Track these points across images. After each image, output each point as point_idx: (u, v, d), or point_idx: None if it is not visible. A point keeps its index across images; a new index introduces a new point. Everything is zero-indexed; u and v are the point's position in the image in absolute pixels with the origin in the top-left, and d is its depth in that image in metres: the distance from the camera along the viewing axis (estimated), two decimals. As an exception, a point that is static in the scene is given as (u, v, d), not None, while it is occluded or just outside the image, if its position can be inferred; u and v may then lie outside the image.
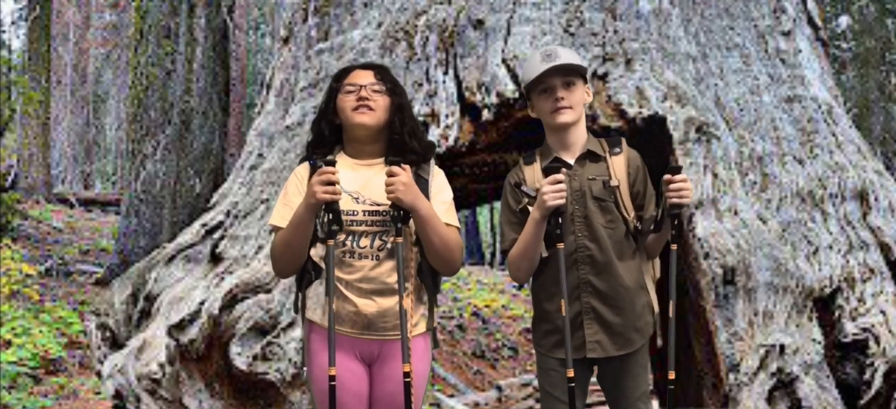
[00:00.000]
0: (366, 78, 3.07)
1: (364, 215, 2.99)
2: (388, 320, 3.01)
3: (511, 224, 3.27)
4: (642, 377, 3.26)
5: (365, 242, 2.99)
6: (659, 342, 3.30)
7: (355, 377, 3.06)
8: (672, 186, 3.02)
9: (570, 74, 3.22)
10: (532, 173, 3.29)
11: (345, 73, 3.16)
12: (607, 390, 3.32)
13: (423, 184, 3.02)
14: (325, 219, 2.87)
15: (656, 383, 5.25)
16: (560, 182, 3.02)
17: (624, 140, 3.37)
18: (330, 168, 2.83)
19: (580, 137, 3.29)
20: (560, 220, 3.05)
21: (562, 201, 3.02)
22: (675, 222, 3.07)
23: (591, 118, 4.87)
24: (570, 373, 3.01)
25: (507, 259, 3.29)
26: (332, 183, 2.81)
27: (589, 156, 3.27)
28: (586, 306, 3.19)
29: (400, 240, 2.91)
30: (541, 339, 3.29)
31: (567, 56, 3.24)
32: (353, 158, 3.11)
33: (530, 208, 3.14)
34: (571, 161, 3.27)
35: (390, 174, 2.88)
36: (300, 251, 2.98)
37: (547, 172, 3.15)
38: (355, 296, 2.99)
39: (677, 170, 3.05)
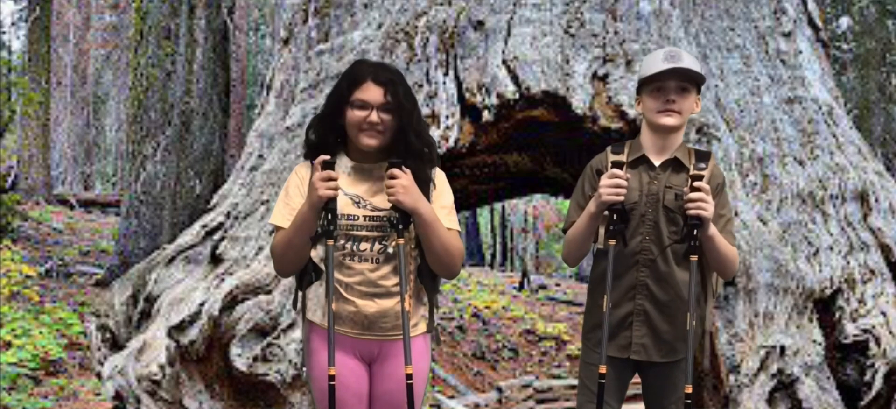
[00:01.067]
0: (377, 96, 2.98)
1: (364, 219, 2.99)
2: (389, 321, 3.01)
3: (578, 206, 3.29)
4: (681, 386, 3.24)
5: (365, 245, 2.99)
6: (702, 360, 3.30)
7: (355, 376, 3.06)
8: (692, 195, 3.02)
9: (687, 79, 3.20)
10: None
11: (355, 83, 3.03)
12: (648, 389, 3.35)
13: (423, 186, 3.01)
14: (325, 218, 2.86)
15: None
16: (619, 179, 3.02)
17: (712, 156, 3.33)
18: (329, 166, 2.83)
19: (674, 143, 3.27)
20: (615, 217, 3.04)
21: (617, 199, 3.02)
22: (695, 233, 3.04)
23: (592, 119, 4.87)
24: (603, 369, 3.03)
25: (564, 239, 3.33)
26: (332, 179, 2.81)
27: (674, 163, 3.25)
28: (639, 307, 3.20)
29: (401, 242, 2.90)
30: (589, 332, 3.31)
31: (689, 62, 3.21)
32: (355, 161, 3.10)
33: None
34: (657, 164, 3.26)
35: (391, 177, 2.86)
36: (301, 250, 2.98)
37: (633, 165, 3.20)
38: (355, 297, 2.99)
39: (698, 178, 3.05)
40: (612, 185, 3.02)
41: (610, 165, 3.22)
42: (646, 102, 3.27)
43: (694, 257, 3.07)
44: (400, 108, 3.00)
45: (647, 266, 3.19)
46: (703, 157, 3.28)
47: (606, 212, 3.08)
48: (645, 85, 3.25)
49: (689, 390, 3.06)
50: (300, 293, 3.11)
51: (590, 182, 3.31)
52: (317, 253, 3.04)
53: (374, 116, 2.97)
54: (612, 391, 3.25)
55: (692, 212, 3.01)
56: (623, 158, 3.24)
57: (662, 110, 3.19)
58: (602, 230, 3.16)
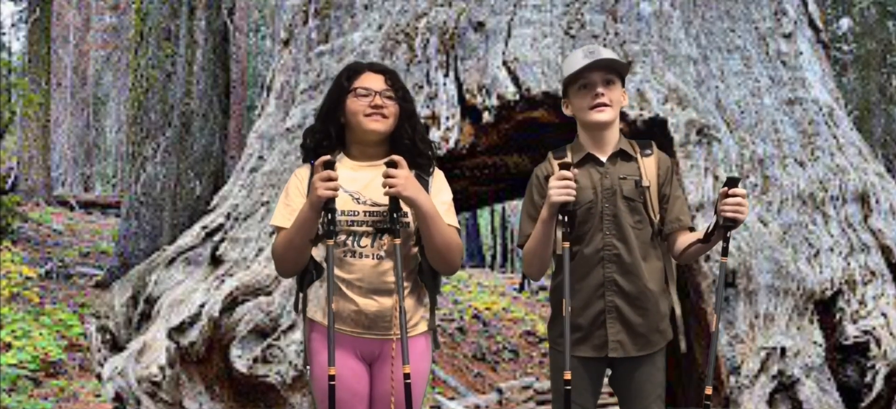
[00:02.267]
0: (378, 83, 3.06)
1: (365, 215, 3.00)
2: (389, 320, 3.01)
3: (530, 218, 3.24)
4: (658, 379, 3.24)
5: (366, 241, 3.00)
6: (682, 345, 3.28)
7: (356, 375, 3.06)
8: (729, 200, 2.96)
9: (610, 71, 3.21)
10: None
11: (354, 74, 3.11)
12: (622, 390, 3.29)
13: (423, 184, 3.02)
14: (325, 218, 2.87)
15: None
16: (568, 179, 2.99)
17: (654, 143, 3.35)
18: (329, 166, 2.84)
19: (613, 137, 3.27)
20: (569, 219, 3.03)
21: (569, 199, 2.98)
22: (727, 235, 3.02)
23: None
24: (568, 376, 2.97)
25: (522, 254, 3.28)
26: (332, 179, 2.82)
27: (621, 155, 3.25)
28: (610, 305, 3.18)
29: (398, 241, 2.91)
30: (558, 337, 3.26)
31: (609, 54, 3.22)
32: (355, 160, 3.11)
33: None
34: (604, 159, 3.25)
35: (389, 171, 2.87)
36: (302, 251, 2.99)
37: (580, 164, 3.16)
38: (356, 295, 3.00)
39: (735, 183, 2.99)
40: (562, 185, 2.98)
41: (556, 168, 3.17)
42: (574, 102, 3.26)
43: (725, 259, 3.06)
44: (402, 97, 3.05)
45: (613, 261, 3.17)
46: (646, 145, 3.29)
47: (559, 215, 3.04)
48: (570, 85, 3.25)
49: (709, 392, 3.02)
50: (301, 293, 3.12)
51: (538, 190, 3.28)
52: (318, 252, 3.05)
53: (378, 99, 3.01)
54: (587, 393, 3.22)
55: (731, 215, 2.95)
56: (568, 159, 3.21)
57: (593, 106, 3.18)
58: (559, 234, 3.11)
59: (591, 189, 3.19)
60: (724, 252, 3.05)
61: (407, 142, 3.06)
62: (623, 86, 3.29)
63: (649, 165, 3.24)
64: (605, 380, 3.35)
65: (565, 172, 3.00)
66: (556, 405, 3.29)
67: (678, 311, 3.30)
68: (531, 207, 3.28)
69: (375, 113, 3.02)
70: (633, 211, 3.18)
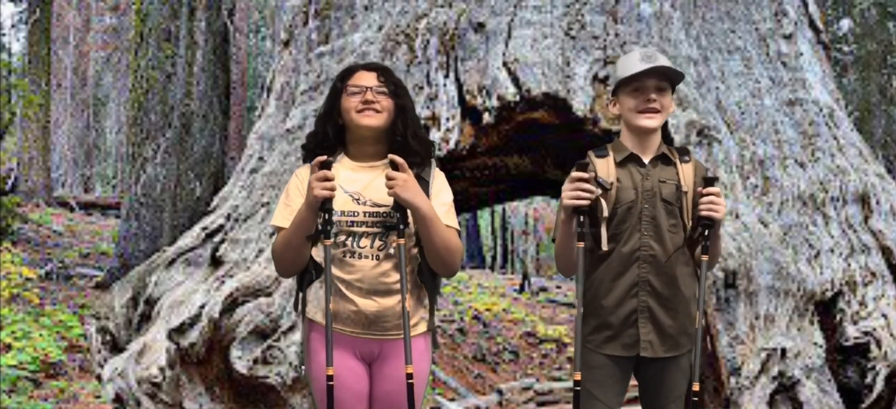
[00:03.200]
0: (370, 79, 3.08)
1: (364, 215, 3.00)
2: (389, 320, 3.02)
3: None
4: (680, 381, 3.26)
5: (365, 242, 3.00)
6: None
7: (355, 375, 3.07)
8: (705, 198, 3.05)
9: (664, 78, 3.24)
10: (606, 167, 3.28)
11: (348, 73, 3.15)
12: (644, 387, 3.33)
13: (423, 185, 3.03)
14: (322, 218, 2.88)
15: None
16: (583, 180, 3.01)
17: (691, 151, 3.38)
18: (326, 166, 2.86)
19: (656, 141, 3.30)
20: (583, 219, 3.03)
21: (581, 203, 3.01)
22: (706, 233, 3.07)
23: (593, 121, 4.87)
24: (578, 377, 3.02)
25: (553, 249, 3.32)
26: (329, 179, 2.83)
27: (662, 159, 3.28)
28: (643, 304, 3.20)
29: (402, 241, 2.91)
30: (590, 334, 3.28)
31: (665, 61, 3.25)
32: (355, 161, 3.12)
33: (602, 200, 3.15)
34: (646, 161, 3.27)
35: (390, 173, 2.89)
36: (300, 250, 3.00)
37: (622, 164, 3.20)
38: (356, 296, 3.00)
39: (712, 182, 3.08)
40: (574, 189, 3.01)
41: (597, 169, 3.21)
42: (624, 102, 3.28)
43: (705, 257, 3.10)
44: (395, 93, 3.07)
45: (649, 262, 3.19)
46: (684, 151, 3.33)
47: (575, 216, 3.06)
48: (623, 86, 3.27)
49: (696, 388, 3.06)
50: (300, 293, 3.13)
51: None
52: (318, 252, 3.06)
53: (369, 95, 3.03)
54: (613, 392, 3.25)
55: (706, 213, 3.04)
56: (610, 160, 3.25)
57: (643, 110, 3.21)
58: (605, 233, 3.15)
59: (633, 189, 3.21)
60: (704, 251, 3.09)
61: (398, 138, 3.07)
62: (673, 93, 3.32)
63: (687, 172, 3.28)
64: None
65: (580, 174, 3.02)
66: (585, 403, 3.30)
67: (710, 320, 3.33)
68: None
69: (367, 109, 3.04)
70: (670, 214, 3.21)
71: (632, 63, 3.23)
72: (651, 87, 3.21)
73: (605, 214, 3.14)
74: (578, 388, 3.02)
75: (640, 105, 3.22)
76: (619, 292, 3.20)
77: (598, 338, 3.24)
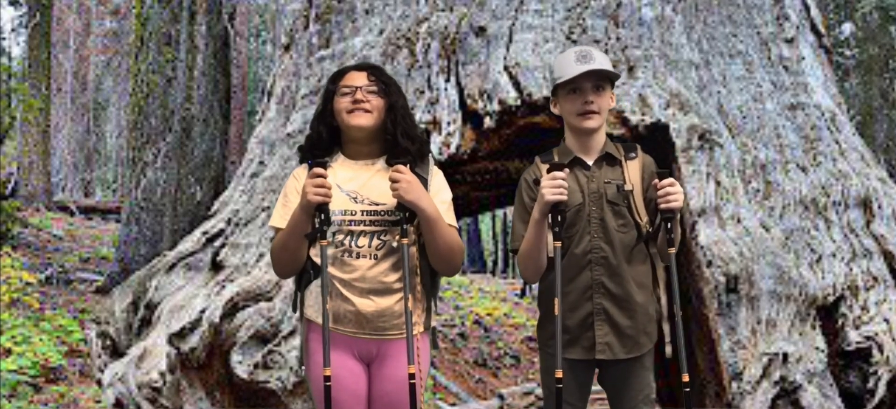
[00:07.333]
0: (360, 79, 3.10)
1: (362, 214, 3.02)
2: (387, 320, 3.02)
3: (522, 222, 3.26)
4: (646, 381, 3.28)
5: (363, 241, 3.01)
6: (667, 350, 3.29)
7: (354, 376, 3.07)
8: (660, 192, 3.06)
9: (602, 78, 3.23)
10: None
11: (340, 75, 3.18)
12: (611, 392, 3.33)
13: (422, 183, 3.04)
14: (319, 218, 2.89)
15: (659, 391, 5.23)
16: (560, 178, 3.02)
17: (639, 146, 3.38)
18: (320, 169, 2.86)
19: (600, 141, 3.32)
20: (560, 218, 3.04)
21: (561, 197, 3.01)
22: (668, 226, 3.08)
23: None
24: (559, 374, 3.01)
25: (516, 258, 3.30)
26: (323, 184, 2.84)
27: (606, 159, 3.30)
28: (598, 307, 3.20)
29: (405, 241, 2.92)
30: (549, 339, 3.28)
31: (601, 61, 3.25)
32: (352, 160, 3.13)
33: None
34: (590, 162, 3.27)
35: (394, 175, 2.90)
36: (296, 252, 3.02)
37: (566, 168, 3.16)
38: (354, 295, 3.00)
39: (665, 175, 3.10)
40: (554, 184, 3.01)
41: (544, 171, 3.20)
42: (563, 105, 3.30)
43: (672, 249, 3.10)
44: (385, 91, 3.09)
45: (601, 264, 3.20)
46: (630, 148, 3.34)
47: (550, 215, 3.06)
48: (560, 88, 3.28)
49: (686, 379, 3.06)
50: (298, 293, 3.14)
51: (528, 194, 3.31)
52: (315, 252, 3.07)
53: (359, 94, 3.05)
54: (576, 395, 3.26)
55: (665, 205, 3.05)
56: (542, 165, 3.28)
57: (582, 113, 3.22)
58: (550, 236, 3.14)
59: (579, 192, 3.23)
60: (670, 243, 3.10)
61: (388, 137, 3.08)
62: (612, 89, 3.32)
63: (633, 169, 3.29)
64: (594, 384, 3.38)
65: (557, 173, 3.03)
66: (547, 405, 3.30)
67: (664, 314, 3.31)
68: (523, 211, 3.31)
69: (357, 108, 3.06)
70: (617, 215, 3.22)
71: (567, 65, 3.22)
72: (588, 89, 3.21)
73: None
74: (560, 385, 3.01)
75: (578, 107, 3.22)
76: (573, 296, 3.21)
77: (555, 345, 3.24)
